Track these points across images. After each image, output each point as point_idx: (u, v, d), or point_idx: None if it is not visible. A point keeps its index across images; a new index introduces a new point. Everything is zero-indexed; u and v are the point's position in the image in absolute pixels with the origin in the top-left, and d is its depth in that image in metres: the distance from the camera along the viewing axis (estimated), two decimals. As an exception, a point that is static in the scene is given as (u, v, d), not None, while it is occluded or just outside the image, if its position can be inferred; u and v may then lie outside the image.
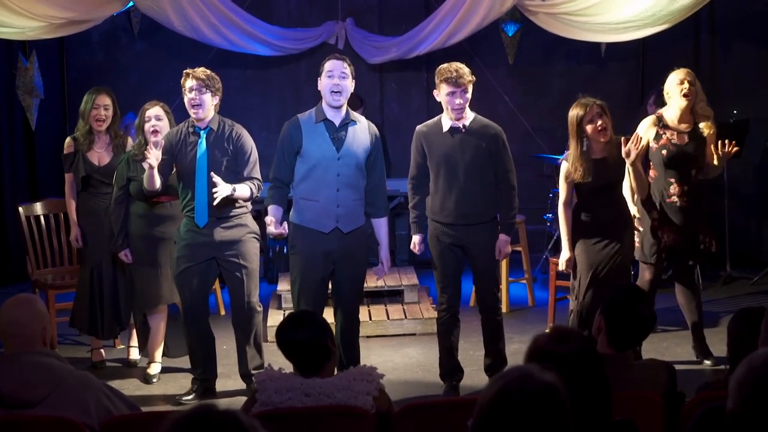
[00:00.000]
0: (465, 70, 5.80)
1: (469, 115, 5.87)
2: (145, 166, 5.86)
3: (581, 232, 6.00)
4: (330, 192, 5.67)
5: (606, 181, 5.92)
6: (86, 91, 6.68)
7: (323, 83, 5.70)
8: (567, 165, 5.97)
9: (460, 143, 5.82)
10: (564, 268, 6.11)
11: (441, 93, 5.83)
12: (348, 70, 5.70)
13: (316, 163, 5.66)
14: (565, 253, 6.06)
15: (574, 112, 5.89)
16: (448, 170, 5.82)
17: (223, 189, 5.66)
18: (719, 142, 6.11)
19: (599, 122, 5.83)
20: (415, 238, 6.02)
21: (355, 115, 5.84)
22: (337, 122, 5.71)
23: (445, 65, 5.85)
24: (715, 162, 6.17)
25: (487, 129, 5.89)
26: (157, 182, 5.87)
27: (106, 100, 6.59)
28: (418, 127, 6.01)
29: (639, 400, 3.51)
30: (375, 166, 5.82)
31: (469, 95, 5.81)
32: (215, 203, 5.70)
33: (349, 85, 5.72)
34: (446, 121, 5.87)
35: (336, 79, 5.65)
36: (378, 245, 6.06)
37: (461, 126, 5.83)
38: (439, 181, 5.86)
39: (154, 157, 5.75)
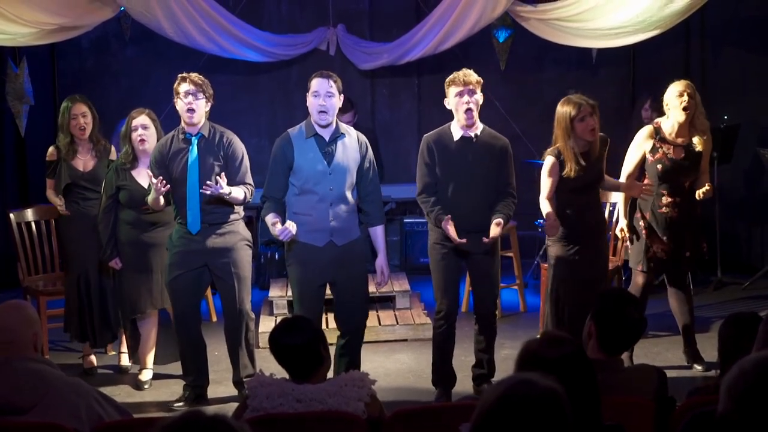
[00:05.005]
0: (472, 72, 5.84)
1: (479, 126, 5.88)
2: (152, 195, 5.88)
3: (559, 238, 6.01)
4: (323, 206, 5.65)
5: (586, 180, 5.94)
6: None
7: (310, 102, 5.67)
8: (553, 159, 5.95)
9: (471, 153, 5.82)
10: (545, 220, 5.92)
11: (450, 97, 5.83)
12: (334, 88, 5.66)
13: (308, 178, 5.65)
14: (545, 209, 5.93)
15: (566, 110, 5.88)
16: (460, 180, 5.81)
17: (223, 185, 5.68)
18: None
19: (590, 121, 5.85)
20: (446, 218, 5.71)
21: (345, 128, 5.81)
22: (327, 137, 5.68)
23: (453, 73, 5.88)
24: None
25: (496, 140, 5.90)
26: (162, 201, 5.92)
27: (82, 108, 6.57)
28: (426, 136, 5.95)
29: (630, 405, 3.52)
30: (367, 175, 5.79)
31: (478, 97, 5.81)
32: (203, 188, 5.69)
33: (336, 102, 5.67)
34: (456, 130, 5.86)
35: (322, 99, 5.62)
36: (372, 253, 6.03)
37: (473, 136, 5.84)
38: (450, 190, 5.83)
39: (161, 186, 5.76)
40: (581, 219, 5.98)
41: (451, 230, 5.70)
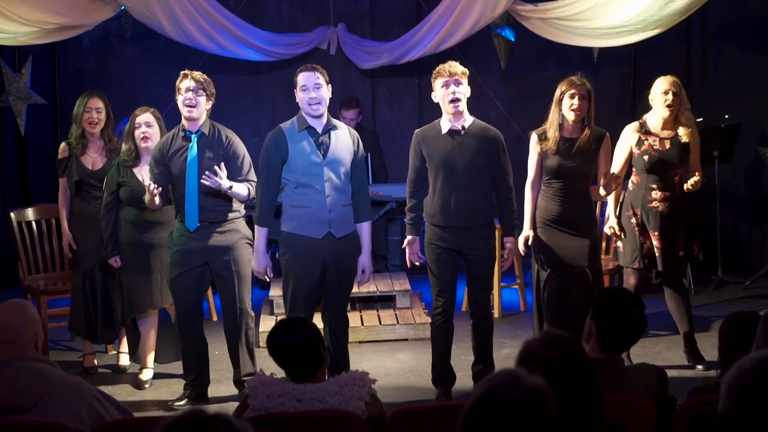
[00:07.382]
0: (457, 64, 5.85)
1: (468, 118, 5.88)
2: (147, 197, 5.87)
3: (546, 220, 6.05)
4: (320, 197, 5.67)
5: (572, 166, 5.97)
6: (78, 96, 6.70)
7: (299, 97, 5.71)
8: (536, 137, 6.07)
9: (460, 145, 5.82)
10: (522, 245, 6.11)
11: (437, 90, 5.83)
12: (321, 79, 5.69)
13: (304, 170, 5.66)
14: (525, 231, 6.11)
15: (562, 84, 6.02)
16: (447, 173, 5.81)
17: (221, 178, 5.70)
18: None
19: (576, 102, 5.92)
20: (409, 238, 5.99)
21: (335, 121, 5.85)
22: (319, 129, 5.71)
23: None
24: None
25: (486, 132, 5.90)
26: (158, 202, 5.90)
27: (98, 103, 6.60)
28: (416, 131, 6.00)
29: (630, 405, 3.52)
30: (357, 170, 5.82)
31: (464, 89, 5.80)
32: (202, 178, 5.73)
33: (325, 93, 5.71)
34: (445, 123, 5.86)
35: (311, 92, 5.66)
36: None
37: (460, 128, 5.84)
38: (438, 183, 5.84)
39: (155, 188, 5.77)
40: (557, 205, 6.02)
41: (409, 252, 6.01)
